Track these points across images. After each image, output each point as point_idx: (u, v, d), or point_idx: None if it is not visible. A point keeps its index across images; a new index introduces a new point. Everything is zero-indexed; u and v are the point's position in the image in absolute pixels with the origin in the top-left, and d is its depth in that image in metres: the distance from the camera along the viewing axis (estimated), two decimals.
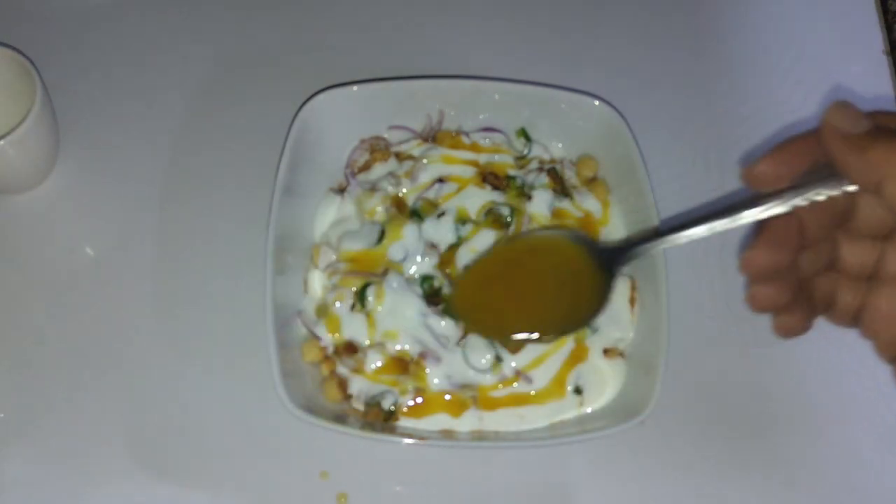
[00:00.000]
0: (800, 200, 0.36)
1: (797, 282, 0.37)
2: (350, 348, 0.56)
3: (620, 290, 0.58)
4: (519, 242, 0.52)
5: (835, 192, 0.36)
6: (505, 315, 0.50)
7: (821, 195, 0.36)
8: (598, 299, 0.46)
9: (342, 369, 0.56)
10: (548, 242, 0.50)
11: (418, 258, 0.57)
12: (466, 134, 0.62)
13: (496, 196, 0.59)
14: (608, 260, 0.46)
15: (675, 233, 0.41)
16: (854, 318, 0.39)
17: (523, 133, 0.62)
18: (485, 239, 0.58)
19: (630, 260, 0.45)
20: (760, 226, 0.37)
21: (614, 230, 0.60)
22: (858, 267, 0.39)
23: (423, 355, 0.56)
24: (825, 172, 0.36)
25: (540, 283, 0.49)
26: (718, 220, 0.39)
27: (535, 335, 0.49)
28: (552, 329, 0.49)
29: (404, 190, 0.60)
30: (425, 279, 0.57)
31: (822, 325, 0.61)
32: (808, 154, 0.36)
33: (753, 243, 0.37)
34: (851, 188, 0.35)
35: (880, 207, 0.36)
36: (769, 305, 0.37)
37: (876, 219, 0.37)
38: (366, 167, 0.62)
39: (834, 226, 0.38)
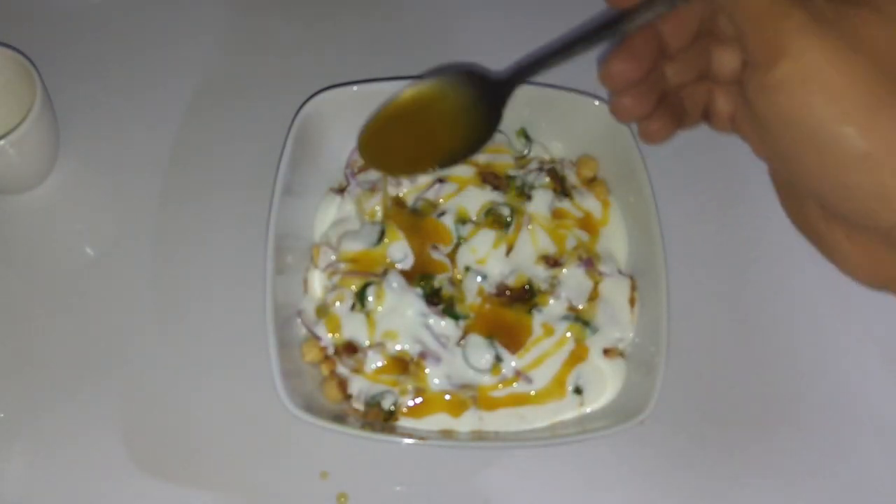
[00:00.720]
0: (655, 13, 0.37)
1: (660, 92, 0.39)
2: (350, 348, 0.56)
3: (620, 290, 0.58)
4: (413, 92, 0.52)
5: (684, 3, 0.36)
6: (405, 153, 0.52)
7: (673, 7, 0.37)
8: (489, 128, 0.49)
9: (342, 369, 0.56)
10: (438, 88, 0.51)
11: None
12: None
13: (496, 196, 0.59)
14: (496, 92, 0.48)
15: (547, 59, 0.43)
16: (731, 123, 0.40)
17: (523, 133, 0.62)
18: (485, 239, 0.58)
19: (514, 88, 0.46)
20: (620, 42, 0.38)
21: (614, 230, 0.61)
22: (728, 73, 0.39)
23: (423, 355, 0.56)
24: None
25: (435, 123, 0.50)
26: (582, 42, 0.40)
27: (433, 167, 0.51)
28: (448, 160, 0.50)
29: (404, 190, 0.60)
30: (425, 279, 0.57)
31: (822, 326, 0.61)
32: None
33: (611, 56, 0.38)
34: None
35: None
36: (632, 114, 0.39)
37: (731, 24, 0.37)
38: (366, 167, 0.61)
39: (699, 35, 0.39)
